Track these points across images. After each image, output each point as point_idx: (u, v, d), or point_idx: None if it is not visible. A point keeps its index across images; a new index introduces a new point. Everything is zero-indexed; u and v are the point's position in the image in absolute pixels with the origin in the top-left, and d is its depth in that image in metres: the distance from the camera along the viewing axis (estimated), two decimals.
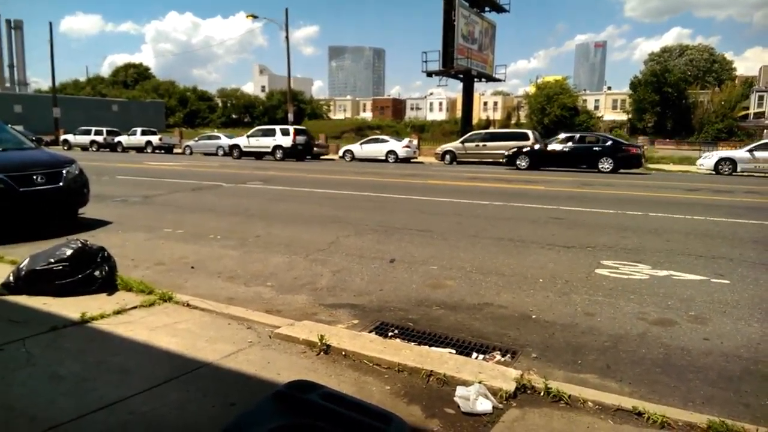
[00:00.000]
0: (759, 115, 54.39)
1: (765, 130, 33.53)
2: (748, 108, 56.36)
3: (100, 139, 38.36)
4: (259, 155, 28.82)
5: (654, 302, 4.49)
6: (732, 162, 21.27)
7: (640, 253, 6.29)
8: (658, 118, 48.67)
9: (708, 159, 22.32)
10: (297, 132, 28.36)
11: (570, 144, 21.98)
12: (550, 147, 22.22)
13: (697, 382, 3.09)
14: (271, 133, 28.81)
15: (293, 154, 27.99)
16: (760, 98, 56.74)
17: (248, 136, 29.63)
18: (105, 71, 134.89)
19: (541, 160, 21.98)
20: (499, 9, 39.41)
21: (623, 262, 5.82)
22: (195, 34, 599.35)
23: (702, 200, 11.92)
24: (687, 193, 13.26)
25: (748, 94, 56.99)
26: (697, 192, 13.67)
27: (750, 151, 21.29)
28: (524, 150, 22.54)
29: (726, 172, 21.13)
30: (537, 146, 22.64)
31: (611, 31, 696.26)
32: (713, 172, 21.41)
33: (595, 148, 21.29)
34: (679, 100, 48.80)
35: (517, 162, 22.35)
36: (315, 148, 31.13)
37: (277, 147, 28.05)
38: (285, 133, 28.25)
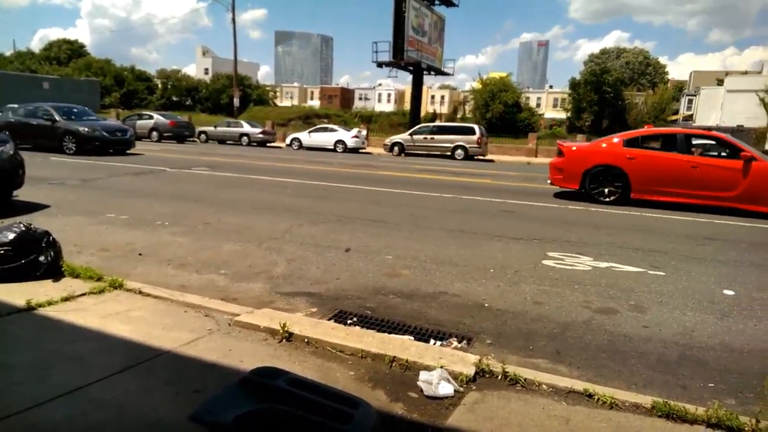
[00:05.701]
0: (688, 118, 57.57)
1: None
2: (678, 111, 59.56)
3: None
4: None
5: (597, 292, 4.74)
6: None
7: (583, 245, 6.60)
8: (595, 117, 50.49)
9: None
10: None
11: None
12: None
13: (638, 366, 3.31)
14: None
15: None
16: (690, 102, 60.08)
17: None
18: (35, 46, 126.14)
19: None
20: (449, 3, 39.79)
21: (567, 253, 6.09)
22: (135, 11, 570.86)
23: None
24: None
25: (678, 98, 60.26)
26: None
27: None
28: None
29: None
30: None
31: (556, 31, 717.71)
32: None
33: None
34: (615, 100, 50.73)
35: None
36: (262, 135, 30.56)
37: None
38: None
